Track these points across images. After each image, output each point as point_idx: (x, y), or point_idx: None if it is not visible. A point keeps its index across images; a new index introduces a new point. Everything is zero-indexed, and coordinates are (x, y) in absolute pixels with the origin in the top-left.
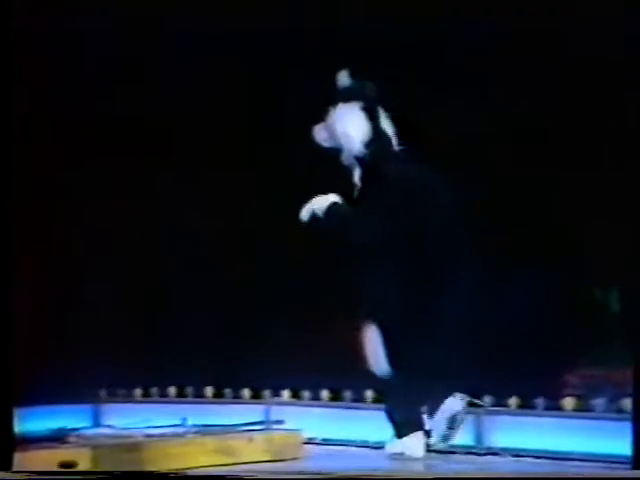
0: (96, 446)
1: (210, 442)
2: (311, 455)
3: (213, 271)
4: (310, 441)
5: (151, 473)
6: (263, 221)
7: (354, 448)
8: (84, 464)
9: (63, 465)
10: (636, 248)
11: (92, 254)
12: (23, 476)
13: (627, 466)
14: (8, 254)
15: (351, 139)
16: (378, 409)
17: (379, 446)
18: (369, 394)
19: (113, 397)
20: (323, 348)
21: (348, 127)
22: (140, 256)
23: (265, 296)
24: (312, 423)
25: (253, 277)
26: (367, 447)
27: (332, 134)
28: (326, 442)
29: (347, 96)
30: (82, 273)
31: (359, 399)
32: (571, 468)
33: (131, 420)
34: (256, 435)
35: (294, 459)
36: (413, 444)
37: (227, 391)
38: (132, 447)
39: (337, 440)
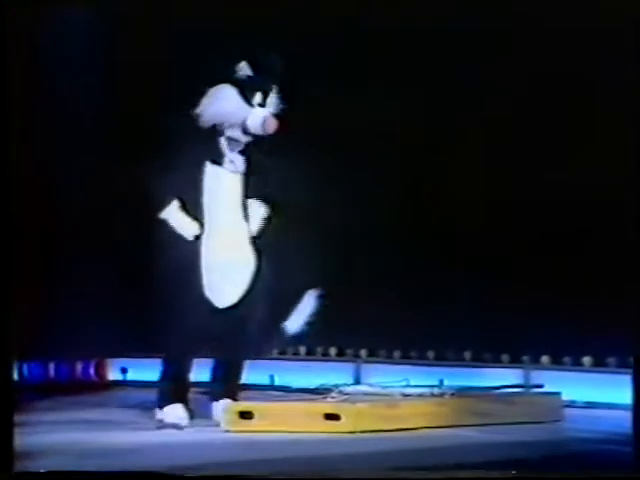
0: (357, 402)
1: (467, 403)
2: (572, 418)
3: None
4: (571, 404)
5: (151, 473)
6: None
7: (618, 411)
8: (346, 419)
9: (328, 416)
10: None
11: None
12: (23, 476)
13: None
14: (9, 235)
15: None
16: None
17: None
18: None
19: (373, 357)
20: (582, 314)
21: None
22: None
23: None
24: (573, 388)
25: None
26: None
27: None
28: (588, 406)
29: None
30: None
31: (623, 365)
32: None
33: (390, 379)
34: (515, 397)
35: (555, 422)
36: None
37: (486, 355)
38: (390, 405)
39: (600, 404)
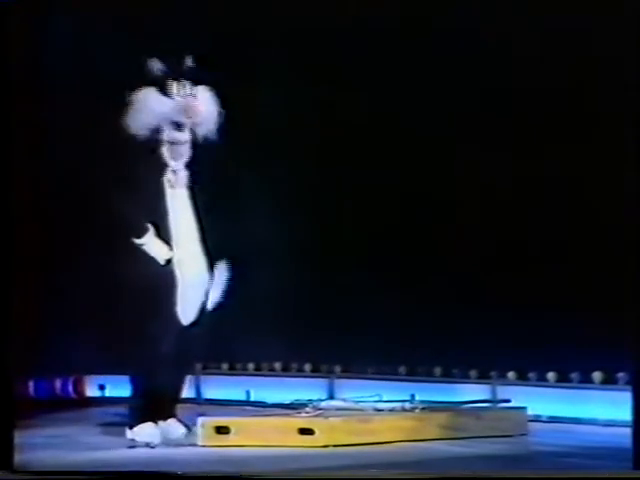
0: (330, 416)
1: (437, 417)
2: (537, 432)
3: None
4: (536, 419)
5: (151, 473)
6: None
7: (581, 426)
8: (319, 433)
9: (302, 431)
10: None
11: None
12: (23, 476)
13: None
14: (9, 252)
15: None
16: (605, 389)
17: (608, 424)
18: (597, 375)
19: (347, 373)
20: (547, 331)
21: (209, 108)
22: None
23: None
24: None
25: None
26: (595, 425)
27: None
28: (552, 420)
29: (195, 79)
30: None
31: (586, 380)
32: None
33: (362, 395)
34: (483, 412)
35: (521, 435)
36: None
37: (455, 371)
38: (363, 419)
39: (564, 418)
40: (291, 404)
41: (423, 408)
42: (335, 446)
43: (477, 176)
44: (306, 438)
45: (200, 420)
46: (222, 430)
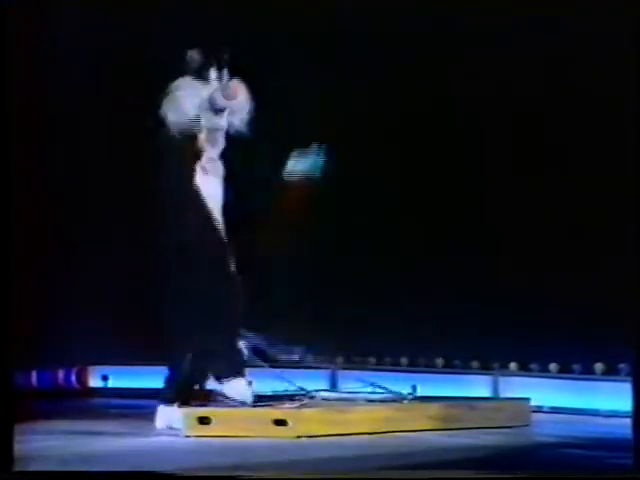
0: (310, 407)
1: (426, 408)
2: (539, 422)
3: None
4: (538, 409)
5: (151, 473)
6: None
7: (583, 416)
8: (293, 424)
9: (277, 422)
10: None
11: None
12: (23, 476)
13: None
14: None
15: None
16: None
17: (610, 415)
18: (598, 366)
19: (348, 364)
20: (549, 323)
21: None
22: None
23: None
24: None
25: None
26: (597, 415)
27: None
28: (554, 411)
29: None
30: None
31: (588, 371)
32: None
33: (360, 385)
34: (479, 403)
35: (523, 426)
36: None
37: (457, 362)
38: (341, 410)
39: (566, 409)
40: (282, 395)
41: (412, 399)
42: (309, 437)
43: (479, 176)
44: (280, 429)
45: (183, 411)
46: (204, 420)
